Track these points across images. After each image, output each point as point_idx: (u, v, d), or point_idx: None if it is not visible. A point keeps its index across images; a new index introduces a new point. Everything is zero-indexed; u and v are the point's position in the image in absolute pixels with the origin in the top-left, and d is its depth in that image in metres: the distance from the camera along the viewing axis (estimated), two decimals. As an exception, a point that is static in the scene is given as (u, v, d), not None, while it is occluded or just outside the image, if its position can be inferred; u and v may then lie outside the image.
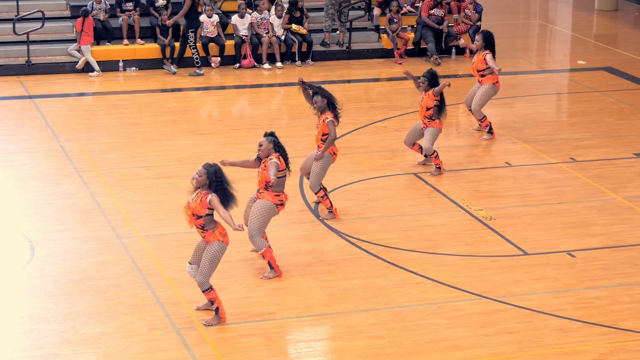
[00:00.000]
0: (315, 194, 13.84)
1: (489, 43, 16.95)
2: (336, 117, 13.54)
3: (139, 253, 12.69)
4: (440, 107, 15.24)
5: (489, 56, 16.80)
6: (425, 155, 15.73)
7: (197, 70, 20.44)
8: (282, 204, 12.16)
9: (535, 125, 17.98)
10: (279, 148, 12.08)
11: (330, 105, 13.54)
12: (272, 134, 12.14)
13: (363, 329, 11.05)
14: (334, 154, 13.68)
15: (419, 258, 12.78)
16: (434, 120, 15.28)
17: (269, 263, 12.15)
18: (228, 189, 10.83)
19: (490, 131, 17.08)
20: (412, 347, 10.72)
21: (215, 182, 10.76)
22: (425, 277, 12.27)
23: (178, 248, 12.65)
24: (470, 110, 17.34)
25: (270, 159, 11.97)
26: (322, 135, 13.53)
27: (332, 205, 13.86)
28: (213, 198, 10.72)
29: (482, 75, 16.94)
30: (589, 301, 11.77)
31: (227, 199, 10.81)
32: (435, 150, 15.41)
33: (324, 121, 13.46)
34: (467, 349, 10.72)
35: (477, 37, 17.21)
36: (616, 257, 12.91)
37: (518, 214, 14.19)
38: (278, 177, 11.95)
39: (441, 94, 15.23)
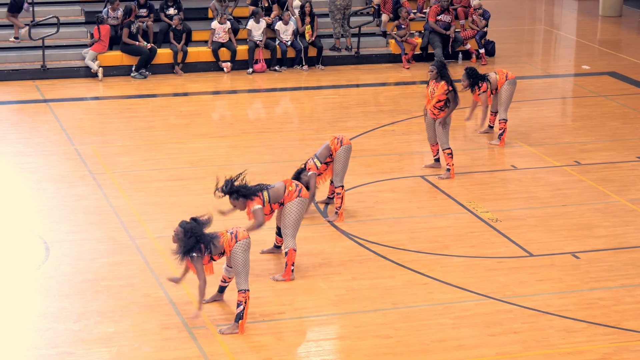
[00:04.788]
0: (336, 187, 13.96)
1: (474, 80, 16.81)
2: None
3: (152, 254, 12.84)
4: (454, 92, 15.28)
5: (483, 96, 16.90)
6: (436, 160, 15.91)
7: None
8: (299, 194, 12.11)
9: (541, 129, 18.10)
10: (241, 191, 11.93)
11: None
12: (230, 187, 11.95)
13: (371, 329, 11.16)
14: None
15: (425, 259, 12.91)
16: (443, 110, 15.37)
17: (286, 264, 12.24)
18: (206, 237, 10.84)
19: (500, 137, 17.12)
20: (419, 347, 10.83)
21: (194, 237, 10.78)
22: (432, 277, 12.40)
23: (190, 249, 12.84)
24: (494, 113, 17.45)
25: (253, 207, 11.98)
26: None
27: (341, 206, 14.01)
28: (194, 262, 10.82)
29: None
30: (593, 302, 11.87)
31: (208, 244, 10.83)
32: (450, 148, 15.51)
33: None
34: (473, 348, 10.82)
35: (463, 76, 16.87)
36: (620, 259, 13.03)
37: (523, 216, 14.32)
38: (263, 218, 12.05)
39: (449, 80, 15.22)
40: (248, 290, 10.99)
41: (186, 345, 10.77)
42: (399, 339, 10.97)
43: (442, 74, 15.28)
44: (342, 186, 13.96)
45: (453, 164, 15.57)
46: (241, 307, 10.97)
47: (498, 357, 10.73)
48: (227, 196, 11.98)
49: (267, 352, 10.69)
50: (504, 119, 17.02)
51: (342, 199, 13.96)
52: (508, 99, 16.98)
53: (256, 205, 11.98)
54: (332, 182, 14.20)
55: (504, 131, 17.05)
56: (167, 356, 10.58)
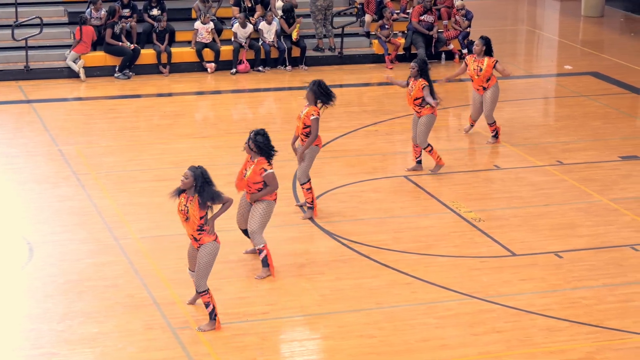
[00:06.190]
0: (302, 184, 14.00)
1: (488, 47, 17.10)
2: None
3: (136, 254, 12.85)
4: (430, 88, 15.33)
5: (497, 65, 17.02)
6: (418, 162, 15.94)
7: None
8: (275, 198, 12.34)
9: (523, 129, 18.17)
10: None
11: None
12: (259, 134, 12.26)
13: (354, 329, 11.20)
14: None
15: (409, 259, 12.96)
16: (424, 107, 15.45)
17: (264, 260, 12.26)
18: (214, 187, 10.85)
19: (496, 135, 17.21)
20: (403, 346, 10.88)
21: (202, 183, 10.80)
22: (416, 277, 12.45)
23: (174, 249, 12.78)
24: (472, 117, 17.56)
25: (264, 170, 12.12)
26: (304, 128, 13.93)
27: (313, 200, 14.03)
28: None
29: (487, 80, 17.07)
30: (576, 301, 11.94)
31: (213, 196, 10.81)
32: (429, 145, 15.59)
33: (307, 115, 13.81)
34: (457, 348, 10.87)
35: (477, 41, 17.19)
36: (602, 258, 13.10)
37: (506, 215, 14.39)
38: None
39: (428, 78, 15.31)
40: (208, 289, 11.03)
41: (170, 346, 10.79)
42: (383, 339, 11.02)
43: (422, 71, 15.36)
44: (309, 180, 13.96)
45: (439, 156, 15.65)
46: (211, 307, 11.05)
47: (481, 356, 10.78)
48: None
49: (251, 352, 10.72)
50: (493, 122, 17.11)
51: (311, 192, 13.97)
52: (494, 103, 17.07)
53: (269, 169, 12.09)
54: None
55: (497, 131, 17.17)
56: (151, 356, 10.60)
